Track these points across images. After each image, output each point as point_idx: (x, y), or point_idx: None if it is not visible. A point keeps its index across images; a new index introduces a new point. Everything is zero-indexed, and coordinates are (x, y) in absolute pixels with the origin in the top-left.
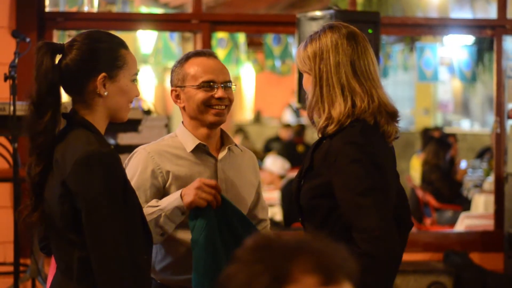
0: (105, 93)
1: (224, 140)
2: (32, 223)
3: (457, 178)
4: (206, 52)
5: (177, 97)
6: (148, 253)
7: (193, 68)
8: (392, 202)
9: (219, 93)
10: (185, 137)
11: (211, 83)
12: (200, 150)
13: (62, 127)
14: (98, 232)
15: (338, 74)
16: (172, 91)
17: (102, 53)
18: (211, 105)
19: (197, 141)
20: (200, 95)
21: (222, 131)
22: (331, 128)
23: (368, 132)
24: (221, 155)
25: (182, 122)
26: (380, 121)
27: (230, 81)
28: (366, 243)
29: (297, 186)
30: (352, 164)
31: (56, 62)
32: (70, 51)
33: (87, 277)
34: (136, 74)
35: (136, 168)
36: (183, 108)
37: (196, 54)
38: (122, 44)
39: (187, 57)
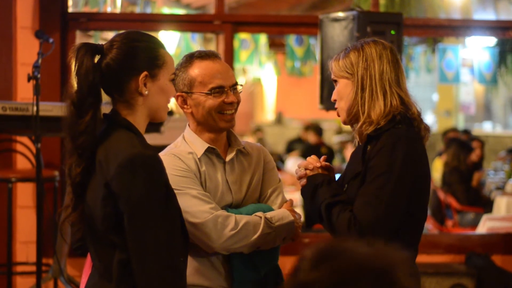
0: (146, 92)
1: (231, 141)
2: (71, 224)
3: (473, 184)
4: (210, 54)
5: (184, 102)
6: (184, 255)
7: (200, 73)
8: (416, 208)
9: (230, 98)
10: (194, 142)
11: (221, 89)
12: (209, 153)
13: (103, 128)
14: (141, 235)
15: (382, 81)
16: (177, 96)
17: (143, 52)
18: (223, 110)
19: (206, 145)
20: (210, 102)
21: (229, 132)
22: (368, 128)
23: (412, 136)
24: (228, 157)
25: (188, 125)
26: (419, 128)
27: (237, 83)
28: (358, 228)
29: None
30: (382, 166)
31: (95, 62)
32: (110, 51)
33: (126, 279)
34: (174, 73)
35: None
36: (191, 113)
37: (200, 56)
38: (160, 44)
39: (190, 60)
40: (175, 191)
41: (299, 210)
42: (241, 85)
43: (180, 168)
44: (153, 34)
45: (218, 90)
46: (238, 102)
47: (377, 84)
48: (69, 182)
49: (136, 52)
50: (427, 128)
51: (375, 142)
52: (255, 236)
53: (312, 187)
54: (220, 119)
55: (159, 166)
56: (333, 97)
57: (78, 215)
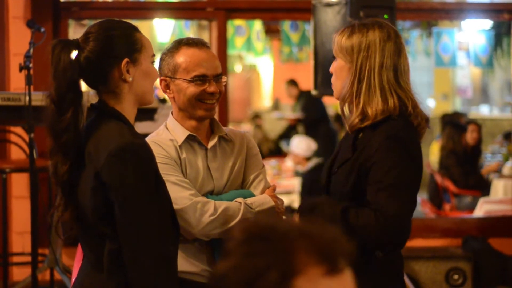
0: (130, 79)
1: (214, 128)
2: (65, 222)
3: (483, 173)
4: (198, 41)
5: (167, 87)
6: (175, 244)
7: (185, 59)
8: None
9: (211, 88)
10: (175, 129)
11: (203, 77)
12: (190, 140)
13: (91, 119)
14: (131, 224)
15: (380, 75)
16: (161, 80)
17: (120, 39)
18: (203, 99)
19: (187, 133)
20: (192, 89)
21: (212, 119)
22: (363, 123)
23: (409, 128)
24: (210, 143)
25: (171, 112)
26: (416, 122)
27: (221, 74)
28: (381, 221)
29: (327, 174)
30: (392, 157)
31: (73, 57)
32: (87, 44)
33: (118, 269)
34: (154, 55)
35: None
36: (173, 99)
37: (188, 43)
38: (135, 28)
39: (177, 46)
40: None
41: (295, 196)
42: (225, 76)
43: (160, 155)
44: (147, 22)
45: (201, 79)
46: (220, 93)
47: (376, 78)
48: (55, 181)
49: (113, 40)
50: (423, 122)
51: (370, 132)
52: (235, 222)
53: (310, 205)
54: (200, 107)
55: (149, 155)
56: (331, 69)
57: (70, 214)
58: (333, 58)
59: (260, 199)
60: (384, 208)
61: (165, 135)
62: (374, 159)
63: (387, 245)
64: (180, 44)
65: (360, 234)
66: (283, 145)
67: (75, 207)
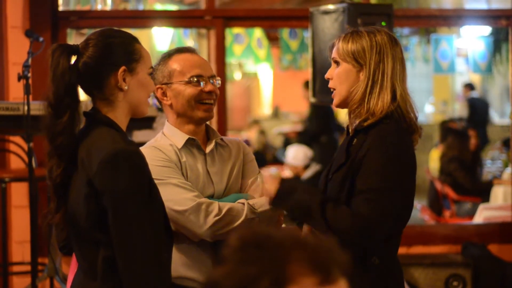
0: (126, 87)
1: (209, 134)
2: (55, 224)
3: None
4: (189, 48)
5: (163, 94)
6: (169, 251)
7: (179, 64)
8: (408, 201)
9: (208, 87)
10: (173, 135)
11: (200, 78)
12: (190, 145)
13: (83, 126)
14: (125, 231)
15: (392, 79)
16: (157, 89)
17: (119, 47)
18: (201, 99)
19: (186, 137)
20: (190, 90)
21: (206, 125)
22: (367, 122)
23: (401, 131)
24: (208, 148)
25: (167, 120)
26: (412, 131)
27: (215, 76)
28: (361, 227)
29: (325, 181)
30: (378, 160)
31: (72, 63)
32: (86, 49)
33: (111, 277)
34: (152, 67)
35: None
36: (170, 106)
37: (179, 50)
38: (135, 39)
39: (169, 55)
40: (157, 181)
41: None
42: (219, 79)
43: (161, 158)
44: (146, 31)
45: (197, 79)
46: (216, 94)
47: (388, 82)
48: (50, 183)
49: (113, 47)
50: (419, 134)
51: (363, 137)
52: (239, 222)
53: (289, 187)
54: (199, 109)
55: (142, 161)
56: (328, 75)
57: (61, 216)
58: (336, 63)
59: (261, 200)
60: (358, 209)
61: (164, 141)
62: (363, 162)
63: (357, 244)
64: (170, 53)
65: (333, 229)
66: (281, 155)
67: (66, 210)
